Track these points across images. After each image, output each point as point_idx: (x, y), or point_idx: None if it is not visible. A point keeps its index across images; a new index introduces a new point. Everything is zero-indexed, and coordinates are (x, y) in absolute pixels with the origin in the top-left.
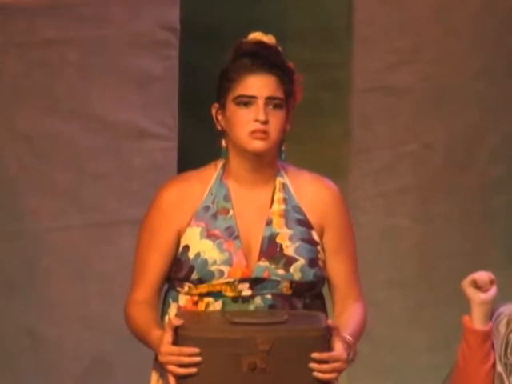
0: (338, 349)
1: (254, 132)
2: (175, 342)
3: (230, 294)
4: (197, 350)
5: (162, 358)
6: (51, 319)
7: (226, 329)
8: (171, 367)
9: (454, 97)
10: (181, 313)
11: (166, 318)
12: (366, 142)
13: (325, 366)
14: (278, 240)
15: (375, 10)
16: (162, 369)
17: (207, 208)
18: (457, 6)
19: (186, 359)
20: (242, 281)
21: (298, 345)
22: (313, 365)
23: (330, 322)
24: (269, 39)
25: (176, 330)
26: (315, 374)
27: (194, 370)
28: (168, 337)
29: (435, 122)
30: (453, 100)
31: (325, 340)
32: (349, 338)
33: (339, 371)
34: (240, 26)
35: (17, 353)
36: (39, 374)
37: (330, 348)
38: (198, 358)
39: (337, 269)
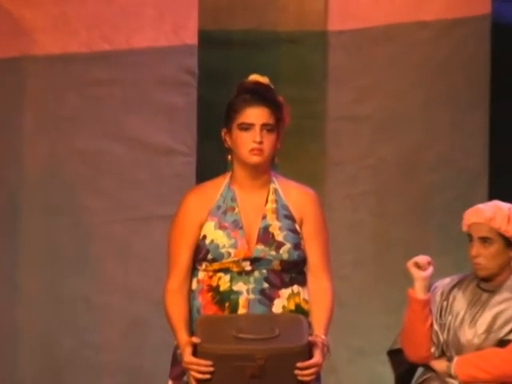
0: (316, 357)
1: (252, 150)
2: (194, 353)
3: (235, 269)
4: (210, 362)
5: (185, 365)
6: (101, 290)
7: (233, 346)
8: (192, 372)
9: (402, 122)
10: (200, 320)
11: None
12: (336, 158)
13: (306, 372)
14: (270, 230)
15: (344, 59)
16: (179, 381)
17: (219, 207)
18: (405, 56)
19: (203, 368)
20: (244, 260)
21: (285, 358)
22: (297, 372)
23: (310, 338)
24: (264, 80)
25: (195, 345)
26: (299, 377)
27: (208, 376)
28: (189, 350)
29: (388, 142)
30: (401, 125)
31: (306, 353)
32: (323, 337)
33: (317, 372)
34: (243, 70)
35: (74, 315)
36: (92, 332)
37: (310, 356)
38: (211, 369)
39: (311, 251)
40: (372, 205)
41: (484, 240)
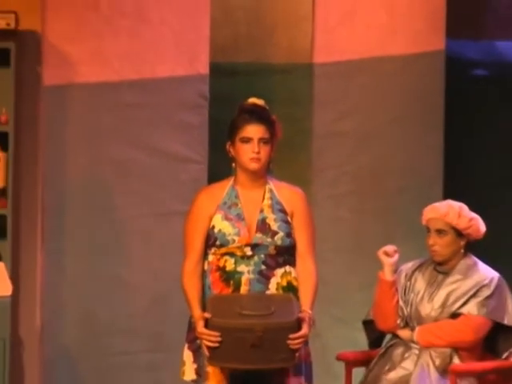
0: (304, 329)
1: (251, 158)
2: (206, 325)
3: (239, 253)
4: (218, 334)
5: (198, 335)
6: (131, 270)
7: (237, 321)
8: (204, 341)
9: (374, 138)
10: (212, 299)
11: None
12: (321, 166)
13: (295, 341)
14: (267, 221)
15: (326, 86)
16: (193, 344)
17: (225, 203)
18: (376, 84)
19: (213, 338)
20: (246, 245)
21: (279, 331)
22: (289, 342)
23: (299, 314)
24: (260, 102)
25: (206, 319)
26: (290, 346)
27: (217, 344)
28: (202, 323)
29: (363, 153)
30: (373, 140)
31: (296, 327)
32: (310, 312)
33: (304, 342)
34: (245, 94)
35: (109, 291)
36: (123, 304)
37: (299, 329)
38: (219, 339)
39: (300, 239)
40: (350, 203)
41: (439, 232)
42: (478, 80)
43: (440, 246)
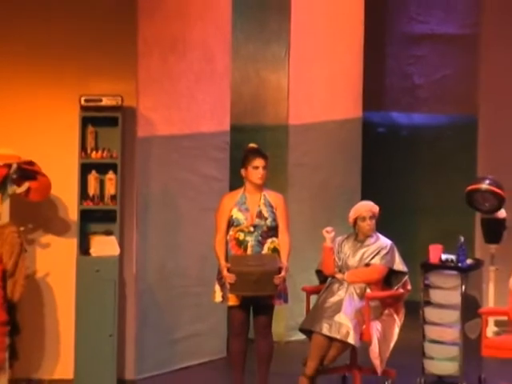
0: (282, 273)
1: (258, 178)
2: (228, 271)
3: (246, 230)
4: (234, 276)
5: (223, 277)
6: (187, 242)
7: (245, 268)
8: (226, 280)
9: (323, 167)
10: (231, 257)
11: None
12: (293, 182)
13: (278, 280)
14: (262, 212)
15: (296, 136)
16: (220, 281)
17: (238, 202)
18: (325, 138)
19: (231, 278)
20: (250, 226)
21: (269, 274)
22: (274, 280)
23: (280, 264)
24: (257, 146)
25: (228, 268)
26: (275, 282)
27: (233, 281)
28: (226, 270)
29: (317, 176)
30: (323, 168)
31: (278, 271)
32: (286, 264)
33: (283, 280)
34: (248, 142)
35: (174, 255)
36: (180, 263)
37: (280, 273)
38: (235, 278)
39: (280, 223)
40: (309, 203)
41: (372, 217)
42: (380, 136)
43: (371, 226)
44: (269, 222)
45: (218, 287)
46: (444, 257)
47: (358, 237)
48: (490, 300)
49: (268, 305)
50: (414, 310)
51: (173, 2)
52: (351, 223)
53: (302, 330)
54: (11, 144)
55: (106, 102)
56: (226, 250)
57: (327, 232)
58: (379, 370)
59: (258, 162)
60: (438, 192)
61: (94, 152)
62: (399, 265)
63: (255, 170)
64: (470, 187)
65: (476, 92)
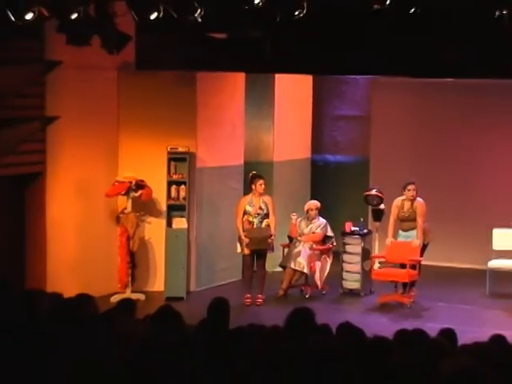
0: (272, 238)
1: (261, 190)
2: (244, 237)
3: (253, 214)
4: (247, 239)
5: (241, 239)
6: (222, 220)
7: (253, 235)
8: (243, 241)
9: (291, 184)
10: (246, 229)
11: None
12: (279, 191)
13: (270, 241)
14: (261, 207)
15: (279, 170)
16: (240, 241)
17: (248, 202)
18: (293, 172)
19: (246, 240)
20: (255, 214)
21: (265, 238)
22: (268, 241)
23: (271, 233)
24: (256, 172)
25: (245, 235)
26: (268, 242)
27: (248, 241)
28: (243, 236)
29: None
30: (292, 184)
31: (270, 236)
32: (273, 232)
33: (272, 242)
34: (252, 170)
35: (219, 229)
36: (226, 232)
37: (270, 237)
38: (248, 240)
39: (270, 212)
40: (285, 200)
41: (316, 209)
42: (318, 169)
43: (315, 213)
44: (264, 211)
45: (238, 244)
46: (353, 228)
47: (308, 218)
48: (375, 250)
49: (263, 253)
50: (337, 256)
51: (222, 93)
52: (305, 211)
53: (280, 266)
54: (132, 170)
55: (180, 149)
56: (242, 226)
57: (293, 215)
58: (320, 286)
59: (260, 182)
60: (351, 197)
61: (175, 175)
62: (329, 232)
63: (259, 186)
64: (366, 193)
65: (368, 143)
